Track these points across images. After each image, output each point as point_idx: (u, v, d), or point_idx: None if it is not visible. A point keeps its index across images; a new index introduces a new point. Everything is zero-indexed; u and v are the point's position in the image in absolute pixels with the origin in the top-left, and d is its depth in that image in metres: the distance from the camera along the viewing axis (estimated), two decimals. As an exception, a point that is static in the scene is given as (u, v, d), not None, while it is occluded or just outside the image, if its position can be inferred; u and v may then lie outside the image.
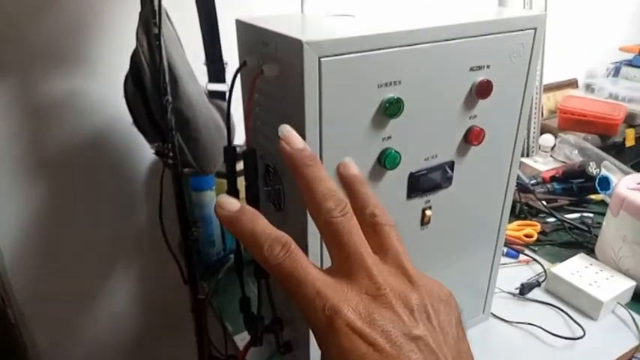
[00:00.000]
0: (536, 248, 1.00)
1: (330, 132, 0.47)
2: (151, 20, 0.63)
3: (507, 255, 0.96)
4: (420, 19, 0.54)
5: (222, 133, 0.79)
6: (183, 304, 1.08)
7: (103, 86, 0.88)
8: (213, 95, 0.81)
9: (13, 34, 0.79)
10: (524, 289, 0.86)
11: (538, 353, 0.75)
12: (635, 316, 0.81)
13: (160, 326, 1.17)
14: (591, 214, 1.10)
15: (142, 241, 1.05)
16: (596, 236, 0.97)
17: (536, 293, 0.87)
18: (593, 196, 1.16)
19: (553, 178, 1.21)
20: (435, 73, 0.51)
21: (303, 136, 0.45)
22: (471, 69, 0.53)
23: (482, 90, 0.54)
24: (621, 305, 0.83)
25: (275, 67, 0.47)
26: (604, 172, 1.14)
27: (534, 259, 0.95)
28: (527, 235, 1.02)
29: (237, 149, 0.56)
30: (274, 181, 0.55)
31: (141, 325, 1.14)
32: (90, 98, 0.89)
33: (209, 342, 0.90)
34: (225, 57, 0.80)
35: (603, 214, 0.94)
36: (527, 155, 1.39)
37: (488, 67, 0.54)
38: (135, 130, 0.77)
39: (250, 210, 0.26)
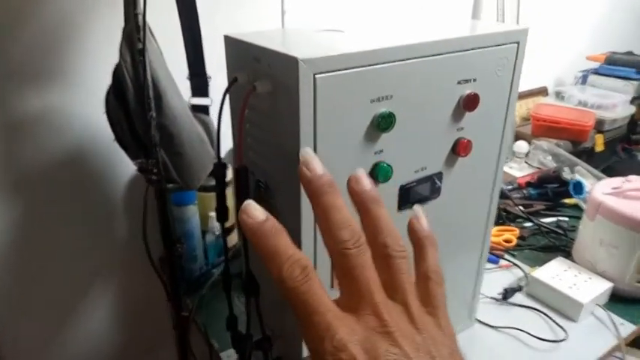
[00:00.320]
0: (516, 253, 1.02)
1: (324, 147, 0.47)
2: (135, 35, 0.62)
3: (488, 260, 0.97)
4: (407, 34, 0.55)
5: (207, 147, 0.78)
6: (163, 320, 1.06)
7: (83, 102, 0.86)
8: (197, 109, 0.80)
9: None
10: (507, 294, 0.88)
11: (525, 357, 0.76)
12: (613, 316, 0.84)
13: (141, 343, 1.14)
14: (566, 218, 1.13)
15: (121, 258, 1.02)
16: (572, 239, 1.00)
17: (518, 297, 0.89)
18: (567, 200, 1.20)
19: (528, 184, 1.24)
20: (425, 87, 0.52)
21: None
22: (459, 82, 0.54)
23: (470, 102, 0.55)
24: (600, 306, 0.85)
25: (268, 83, 0.47)
26: (577, 177, 1.18)
27: (514, 264, 0.97)
28: (506, 241, 1.05)
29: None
30: (266, 197, 0.54)
31: (121, 343, 1.11)
32: (67, 113, 0.86)
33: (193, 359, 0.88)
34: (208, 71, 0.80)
35: (578, 218, 0.97)
36: (502, 161, 1.42)
37: (474, 80, 0.55)
38: (114, 145, 0.75)
39: (276, 224, 0.26)
